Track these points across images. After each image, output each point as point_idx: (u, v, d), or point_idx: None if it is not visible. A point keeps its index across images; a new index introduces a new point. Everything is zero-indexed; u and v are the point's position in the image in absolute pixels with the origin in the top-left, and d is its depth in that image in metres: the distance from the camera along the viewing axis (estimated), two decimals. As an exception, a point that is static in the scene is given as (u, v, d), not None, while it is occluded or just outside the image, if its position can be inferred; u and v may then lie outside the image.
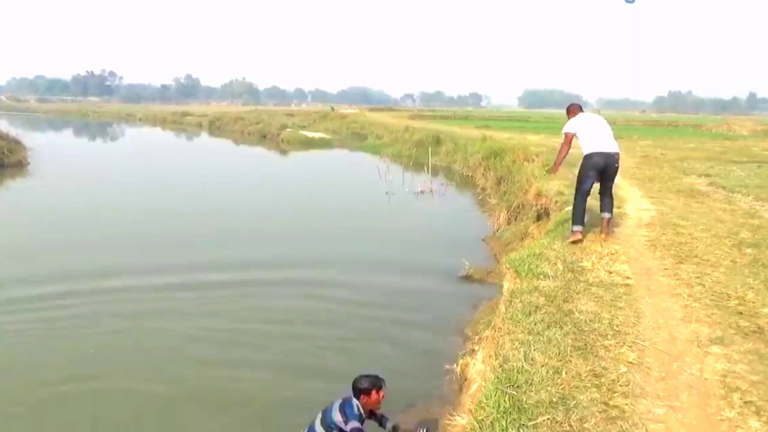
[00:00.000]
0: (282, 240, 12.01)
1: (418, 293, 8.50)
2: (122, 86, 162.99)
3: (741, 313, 4.20)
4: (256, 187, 20.83)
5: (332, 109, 64.73)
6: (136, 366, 5.84)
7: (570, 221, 6.56)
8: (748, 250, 6.12)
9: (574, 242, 6.29)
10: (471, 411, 2.90)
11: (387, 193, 18.51)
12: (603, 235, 6.51)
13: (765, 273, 5.23)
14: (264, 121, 51.12)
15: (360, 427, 3.75)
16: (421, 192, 19.15)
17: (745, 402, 2.96)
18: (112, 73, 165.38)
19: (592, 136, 6.75)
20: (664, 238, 6.65)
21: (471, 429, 2.71)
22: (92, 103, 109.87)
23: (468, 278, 9.28)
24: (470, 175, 22.58)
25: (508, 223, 12.64)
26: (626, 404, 2.91)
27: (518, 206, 12.32)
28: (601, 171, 6.63)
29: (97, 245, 10.65)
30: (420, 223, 14.84)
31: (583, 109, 7.22)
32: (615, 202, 6.99)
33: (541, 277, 4.93)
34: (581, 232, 6.41)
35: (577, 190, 6.68)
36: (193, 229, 12.48)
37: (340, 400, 3.92)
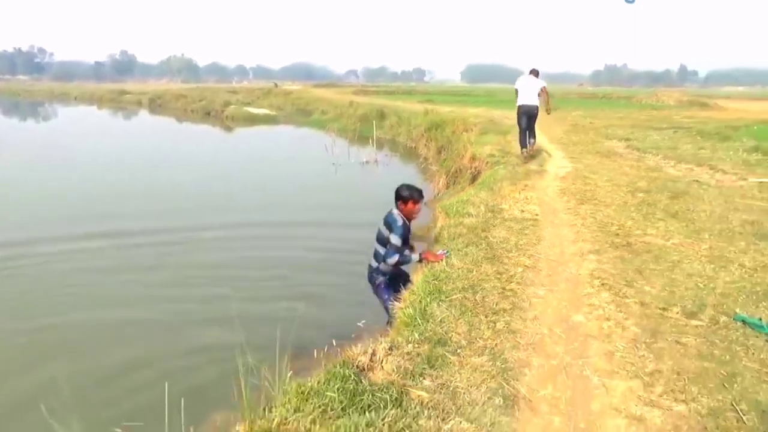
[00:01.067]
0: (236, 209, 12.63)
1: (365, 246, 9.37)
2: (53, 63, 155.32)
3: (617, 235, 5.35)
4: (204, 162, 21.10)
5: (276, 85, 64.28)
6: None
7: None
8: (640, 195, 7.35)
9: (526, 159, 10.49)
10: (406, 296, 3.88)
11: (333, 164, 19.26)
12: (529, 149, 10.83)
13: (647, 209, 6.44)
14: (207, 98, 50.08)
15: (398, 245, 4.29)
16: (366, 162, 19.99)
17: (602, 284, 4.07)
18: (41, 50, 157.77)
19: (522, 93, 10.73)
20: (573, 187, 7.83)
21: (404, 306, 3.68)
22: (22, 82, 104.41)
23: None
24: (413, 146, 23.59)
25: (447, 187, 13.73)
26: (518, 289, 3.96)
27: (456, 171, 13.40)
28: (525, 115, 10.64)
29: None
30: (365, 190, 15.72)
31: (537, 76, 10.96)
32: (538, 160, 9.95)
33: (466, 216, 5.95)
34: (525, 151, 10.74)
35: (519, 127, 11.04)
36: (142, 205, 12.81)
37: (376, 243, 4.53)
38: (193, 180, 16.24)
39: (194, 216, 11.15)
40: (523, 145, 10.90)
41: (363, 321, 4.46)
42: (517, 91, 10.84)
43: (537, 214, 6.16)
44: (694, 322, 3.47)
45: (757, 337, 3.32)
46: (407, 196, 4.52)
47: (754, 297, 3.92)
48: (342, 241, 9.59)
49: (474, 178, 11.69)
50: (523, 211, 6.21)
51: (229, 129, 36.91)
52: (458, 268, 4.24)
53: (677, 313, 3.59)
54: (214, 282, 7.30)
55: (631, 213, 6.25)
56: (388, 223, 4.47)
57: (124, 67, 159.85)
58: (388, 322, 4.29)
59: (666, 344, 3.17)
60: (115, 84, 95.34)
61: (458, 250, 4.71)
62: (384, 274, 4.54)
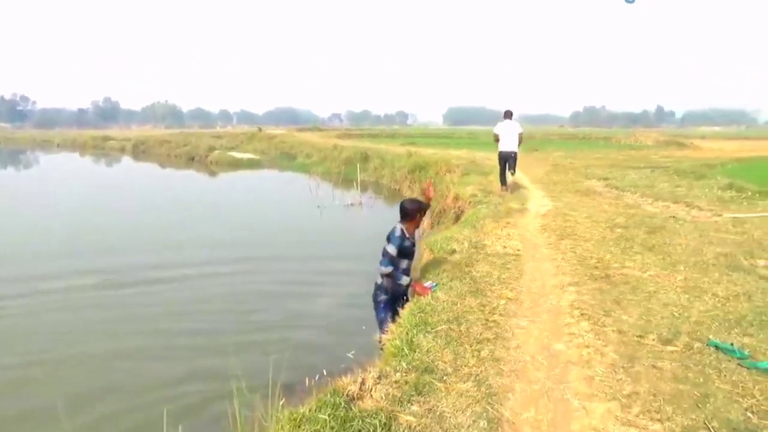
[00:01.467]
0: (224, 247, 12.65)
1: (351, 278, 9.39)
2: (35, 111, 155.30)
3: (596, 268, 5.54)
4: (189, 206, 21.17)
5: (260, 129, 64.87)
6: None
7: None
8: (618, 230, 7.59)
9: (502, 193, 11.76)
10: (392, 329, 4.00)
11: (318, 207, 19.43)
12: (509, 185, 12.15)
13: (625, 243, 6.66)
14: (191, 144, 50.25)
15: (393, 254, 4.58)
16: (351, 204, 20.19)
17: (581, 314, 4.22)
18: (24, 98, 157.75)
19: (502, 139, 11.93)
20: (553, 223, 8.06)
21: (392, 338, 3.80)
22: (3, 130, 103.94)
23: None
24: (397, 188, 23.88)
25: (432, 227, 13.94)
26: (501, 320, 4.10)
27: (440, 211, 13.64)
28: (505, 159, 11.97)
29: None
30: (351, 232, 15.87)
31: (511, 117, 12.02)
32: (521, 200, 10.68)
33: (450, 252, 6.12)
34: (505, 188, 11.99)
35: (499, 166, 12.29)
36: (134, 253, 12.82)
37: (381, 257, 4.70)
38: (179, 222, 16.33)
39: (179, 256, 11.21)
40: (502, 182, 12.21)
41: (352, 352, 4.54)
42: (497, 136, 12.00)
43: (519, 250, 6.35)
44: (670, 348, 3.62)
45: (729, 361, 3.47)
46: (412, 210, 4.96)
47: (727, 324, 4.08)
48: (329, 274, 9.74)
49: (457, 218, 11.92)
50: (505, 247, 6.40)
51: (213, 174, 37.06)
52: (443, 301, 4.38)
53: (653, 339, 3.74)
54: (205, 316, 7.40)
55: (610, 247, 6.46)
56: (388, 236, 4.81)
57: (108, 113, 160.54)
58: (379, 339, 4.40)
59: (643, 368, 3.31)
60: (99, 131, 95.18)
61: (443, 283, 4.85)
62: (386, 292, 4.74)
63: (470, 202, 10.83)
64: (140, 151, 54.86)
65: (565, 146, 34.27)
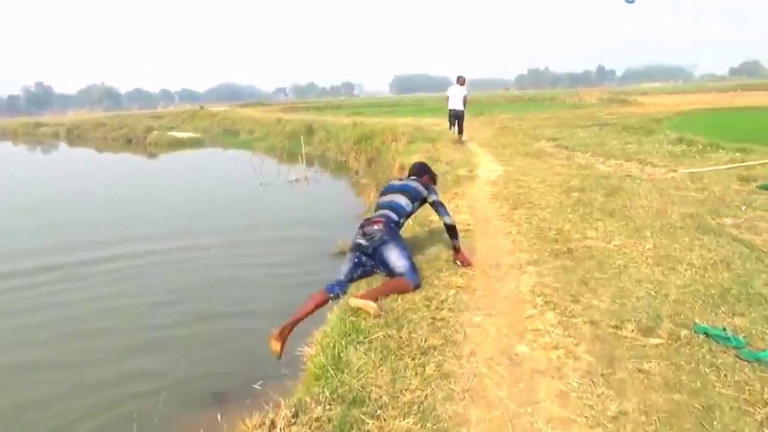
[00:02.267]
0: (157, 233, 11.67)
1: (292, 273, 8.69)
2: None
3: (556, 240, 4.89)
4: (124, 190, 19.86)
5: (201, 107, 62.32)
6: None
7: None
8: (575, 194, 7.00)
9: (456, 136, 14.66)
10: (317, 339, 3.23)
11: (261, 184, 18.44)
12: (458, 138, 14.48)
13: (583, 209, 6.06)
14: (128, 125, 48.34)
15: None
16: (296, 180, 19.24)
17: (545, 302, 3.54)
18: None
19: (451, 99, 14.74)
20: (505, 191, 7.42)
21: (315, 353, 3.04)
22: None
23: (342, 254, 9.61)
24: (344, 160, 23.02)
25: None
26: (451, 317, 3.38)
27: (387, 181, 12.86)
28: (453, 116, 14.60)
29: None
30: (296, 209, 14.98)
31: (463, 83, 14.62)
32: (469, 167, 9.90)
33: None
34: (453, 129, 14.87)
35: (449, 120, 15.12)
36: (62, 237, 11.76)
37: (395, 195, 4.49)
38: (111, 207, 15.13)
39: (108, 245, 10.18)
40: (451, 124, 15.18)
41: (260, 382, 3.75)
42: (448, 98, 14.99)
43: (469, 224, 5.66)
44: (653, 341, 2.99)
45: (725, 352, 2.86)
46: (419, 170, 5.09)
47: (711, 302, 3.49)
48: (269, 262, 8.99)
49: (404, 189, 11.22)
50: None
51: (152, 155, 35.44)
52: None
53: (632, 330, 3.10)
54: (118, 314, 6.61)
55: (568, 215, 5.84)
56: (417, 189, 4.61)
57: (41, 99, 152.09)
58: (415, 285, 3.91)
59: (626, 374, 2.65)
60: (32, 117, 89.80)
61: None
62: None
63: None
64: (75, 136, 52.06)
65: (511, 109, 33.91)
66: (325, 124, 30.60)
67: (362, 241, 4.17)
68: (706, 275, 3.95)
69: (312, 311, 3.81)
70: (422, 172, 4.96)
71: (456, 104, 14.48)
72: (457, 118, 14.60)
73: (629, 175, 8.60)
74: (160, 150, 36.57)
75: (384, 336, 3.06)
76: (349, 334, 3.10)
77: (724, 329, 3.04)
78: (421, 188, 4.60)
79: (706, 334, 3.03)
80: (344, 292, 3.95)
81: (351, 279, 4.17)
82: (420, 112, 36.01)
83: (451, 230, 4.52)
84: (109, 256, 9.25)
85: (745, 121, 18.46)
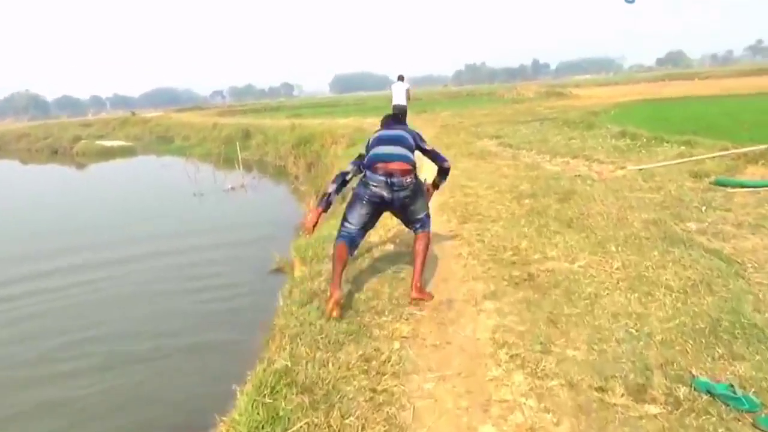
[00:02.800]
0: (74, 251, 10.60)
1: (223, 296, 7.86)
2: None
3: (514, 263, 4.27)
4: (41, 206, 18.31)
5: (133, 114, 59.70)
6: None
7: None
8: (526, 201, 6.44)
9: None
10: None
11: (195, 194, 17.34)
12: None
13: (538, 220, 5.47)
14: (54, 135, 46.04)
15: None
16: (232, 189, 18.21)
17: (511, 356, 2.88)
18: None
19: (394, 96, 15.47)
20: (452, 200, 6.78)
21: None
22: None
23: (279, 270, 8.80)
24: (283, 164, 22.12)
25: (319, 207, 12.41)
26: (395, 386, 2.67)
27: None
28: (398, 112, 12.51)
29: None
30: (231, 221, 14.00)
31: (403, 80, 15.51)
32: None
33: (326, 260, 4.63)
34: None
35: None
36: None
37: (397, 147, 4.02)
38: (28, 225, 13.82)
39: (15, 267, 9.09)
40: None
41: None
42: (391, 94, 15.77)
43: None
44: (650, 409, 2.37)
45: (739, 419, 2.27)
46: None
47: (703, 341, 2.92)
48: (199, 279, 8.15)
49: (345, 198, 10.47)
50: (396, 244, 5.01)
51: (80, 166, 33.55)
52: (307, 362, 2.88)
53: (621, 395, 2.47)
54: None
55: (523, 228, 5.24)
56: (413, 141, 4.29)
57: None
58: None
59: (627, 470, 2.02)
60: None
61: (311, 324, 3.36)
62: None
63: (354, 182, 9.36)
64: (-5, 148, 48.93)
65: (451, 105, 33.64)
66: (263, 127, 29.54)
67: (385, 194, 3.85)
68: (689, 302, 3.40)
69: (345, 265, 3.79)
70: (404, 117, 4.49)
71: (399, 100, 15.32)
72: (401, 113, 14.66)
73: (579, 175, 8.15)
74: (89, 160, 34.68)
75: (308, 425, 2.32)
76: (263, 424, 2.34)
77: (731, 386, 2.45)
78: (413, 140, 4.29)
79: (710, 393, 2.44)
80: (356, 247, 4.01)
81: (365, 231, 4.05)
82: (361, 111, 35.32)
83: (446, 173, 4.65)
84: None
85: (679, 111, 18.62)
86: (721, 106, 19.11)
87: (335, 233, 4.78)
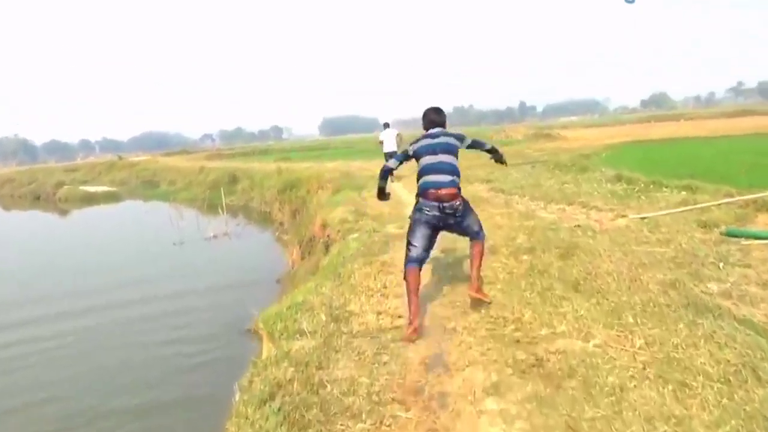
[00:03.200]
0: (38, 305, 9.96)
1: (190, 364, 7.13)
2: None
3: (518, 341, 3.61)
4: (20, 255, 17.52)
5: (120, 158, 59.25)
6: None
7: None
8: (525, 257, 5.83)
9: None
10: None
11: (175, 244, 16.64)
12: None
13: (541, 282, 4.85)
14: (38, 180, 45.62)
15: None
16: (214, 237, 17.53)
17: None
18: None
19: (385, 142, 15.50)
20: (442, 255, 6.16)
21: None
22: None
23: (256, 331, 8.09)
24: (268, 210, 21.53)
25: (303, 258, 11.72)
26: None
27: (310, 239, 11.45)
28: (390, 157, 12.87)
29: None
30: (210, 272, 13.29)
31: (389, 126, 15.99)
32: (399, 223, 8.39)
33: (298, 336, 3.95)
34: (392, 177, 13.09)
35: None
36: None
37: (445, 156, 4.37)
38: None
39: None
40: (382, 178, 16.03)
41: None
42: (381, 142, 15.86)
43: (400, 316, 4.30)
44: None
45: None
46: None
47: (766, 455, 2.27)
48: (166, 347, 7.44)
49: (327, 247, 9.82)
50: (380, 314, 4.34)
51: (62, 212, 32.92)
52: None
53: None
54: None
55: (524, 292, 4.60)
56: (456, 145, 4.53)
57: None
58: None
59: None
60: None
61: (267, 433, 2.67)
62: None
63: (339, 231, 8.76)
64: (-20, 194, 48.16)
65: (441, 148, 33.32)
66: (250, 171, 29.11)
67: (439, 216, 4.27)
68: (736, 396, 2.76)
69: (419, 289, 4.20)
70: (444, 119, 4.80)
71: (390, 147, 15.45)
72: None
73: (579, 225, 7.58)
74: (71, 206, 34.12)
75: None
76: None
77: None
78: (456, 142, 4.56)
79: None
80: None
81: (428, 252, 4.37)
82: (350, 154, 35.11)
83: (491, 151, 4.90)
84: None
85: (671, 153, 18.39)
86: (712, 147, 18.89)
87: (309, 298, 4.12)
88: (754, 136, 22.33)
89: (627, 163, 14.85)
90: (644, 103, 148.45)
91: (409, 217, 4.46)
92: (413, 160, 4.55)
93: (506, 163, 5.11)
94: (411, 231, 4.36)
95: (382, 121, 16.82)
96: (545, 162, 17.85)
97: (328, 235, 9.62)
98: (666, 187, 10.10)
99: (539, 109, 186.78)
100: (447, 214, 4.23)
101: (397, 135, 15.91)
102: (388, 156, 15.70)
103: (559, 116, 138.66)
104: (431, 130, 4.67)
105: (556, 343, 3.51)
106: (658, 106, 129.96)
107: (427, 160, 4.40)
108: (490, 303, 4.30)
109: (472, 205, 4.55)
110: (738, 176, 10.68)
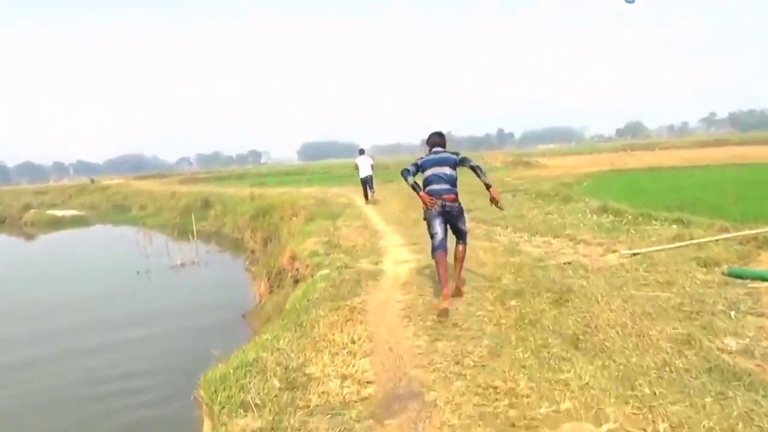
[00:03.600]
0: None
1: (135, 418, 6.30)
2: None
3: (514, 426, 2.89)
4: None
5: (92, 181, 57.93)
6: None
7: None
8: (513, 302, 5.16)
9: (366, 203, 16.34)
10: None
11: (139, 273, 15.74)
12: (372, 197, 16.59)
13: (534, 336, 4.16)
14: (4, 203, 44.43)
15: None
16: (181, 265, 16.65)
17: None
18: None
19: (361, 168, 16.78)
20: (421, 300, 5.46)
21: None
22: None
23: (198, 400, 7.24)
24: (240, 237, 20.69)
25: (271, 291, 10.90)
26: None
27: (278, 272, 10.65)
28: (365, 181, 16.67)
29: None
30: (173, 306, 12.42)
31: (364, 153, 17.27)
32: (373, 257, 8.12)
33: (242, 410, 3.20)
34: (367, 200, 16.61)
35: (362, 187, 16.96)
36: None
37: (443, 168, 5.56)
38: None
39: None
40: (365, 197, 16.79)
41: None
42: (357, 166, 17.04)
43: (369, 382, 3.57)
44: None
45: None
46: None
47: None
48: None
49: (296, 282, 9.05)
50: (345, 379, 3.59)
51: (28, 237, 31.76)
52: None
53: None
54: None
55: (516, 350, 3.90)
56: (454, 159, 5.64)
57: None
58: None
59: None
60: None
61: None
62: None
63: (308, 266, 8.02)
64: (-55, 218, 46.47)
65: (420, 174, 32.88)
66: (223, 196, 28.32)
67: (443, 211, 5.48)
68: None
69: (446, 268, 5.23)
70: (444, 141, 5.87)
71: (366, 171, 16.79)
72: (368, 182, 16.86)
73: (569, 263, 6.96)
74: (38, 230, 33.03)
75: None
76: None
77: None
78: (454, 156, 5.65)
79: None
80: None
81: (446, 237, 5.45)
82: (327, 180, 34.50)
83: (476, 170, 5.59)
84: None
85: (653, 182, 18.12)
86: (692, 177, 18.67)
87: (262, 356, 3.40)
88: (731, 166, 22.32)
89: (610, 193, 14.46)
90: (620, 132, 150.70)
91: (424, 219, 5.61)
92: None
93: (499, 202, 5.81)
94: (429, 224, 5.50)
95: (363, 145, 17.47)
96: (526, 190, 17.41)
97: (296, 269, 8.87)
98: (655, 219, 9.59)
99: (517, 136, 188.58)
100: (447, 211, 5.46)
101: (372, 159, 17.28)
102: (364, 181, 16.85)
103: (537, 143, 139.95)
104: (435, 149, 5.78)
105: (562, 429, 2.81)
106: (633, 135, 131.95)
107: (431, 171, 5.52)
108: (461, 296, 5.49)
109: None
110: (728, 208, 10.28)
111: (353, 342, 4.25)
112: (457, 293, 5.39)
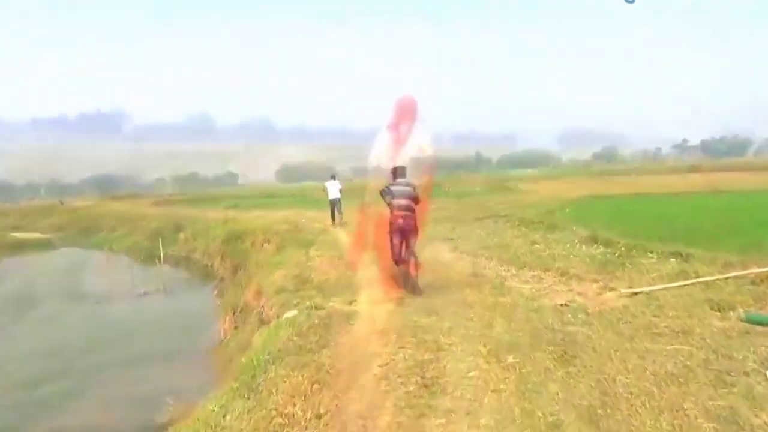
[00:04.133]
0: None
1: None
2: None
3: None
4: None
5: (61, 202, 56.03)
6: None
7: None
8: (510, 358, 4.37)
9: (331, 227, 16.40)
10: None
11: (99, 302, 14.66)
12: (338, 220, 16.91)
13: (541, 409, 3.37)
14: None
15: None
16: (145, 293, 15.56)
17: None
18: None
19: (330, 191, 17.42)
20: (401, 355, 4.61)
21: None
22: None
23: (171, 423, 6.25)
24: (210, 264, 19.61)
25: (236, 328, 9.95)
26: None
27: (242, 308, 9.72)
28: (333, 204, 17.22)
29: None
30: (131, 344, 11.31)
31: (335, 178, 17.99)
32: (346, 295, 7.42)
33: None
34: (333, 223, 16.82)
35: (330, 210, 17.43)
36: None
37: (404, 200, 7.24)
38: None
39: None
40: (333, 218, 17.06)
41: None
42: (325, 189, 17.71)
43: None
44: None
45: None
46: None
47: None
48: None
49: (262, 321, 8.15)
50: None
51: (-14, 261, 29.92)
52: None
53: None
54: None
55: (518, 426, 3.11)
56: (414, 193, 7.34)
57: None
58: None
59: None
60: None
61: None
62: None
63: (272, 307, 7.15)
64: None
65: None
66: (195, 219, 27.15)
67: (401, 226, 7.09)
68: None
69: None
70: (405, 173, 7.48)
71: (334, 194, 17.44)
72: (335, 204, 17.34)
73: (566, 304, 6.21)
74: (-2, 254, 31.05)
75: None
76: None
77: None
78: (411, 189, 7.31)
79: None
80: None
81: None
82: (304, 202, 33.48)
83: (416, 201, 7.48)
84: None
85: (637, 209, 17.74)
86: (676, 205, 18.30)
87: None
88: (713, 193, 22.11)
89: (595, 220, 13.79)
90: (596, 156, 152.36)
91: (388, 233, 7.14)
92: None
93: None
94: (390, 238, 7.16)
95: (340, 169, 18.30)
96: (508, 216, 16.64)
97: (262, 307, 7.97)
98: (651, 251, 8.91)
99: (494, 160, 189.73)
100: (403, 227, 7.05)
101: (340, 189, 17.86)
102: (332, 203, 17.59)
103: (515, 167, 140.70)
104: (398, 180, 7.34)
105: None
106: (608, 160, 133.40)
107: (396, 199, 7.12)
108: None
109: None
110: (726, 238, 9.74)
111: (318, 418, 3.41)
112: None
